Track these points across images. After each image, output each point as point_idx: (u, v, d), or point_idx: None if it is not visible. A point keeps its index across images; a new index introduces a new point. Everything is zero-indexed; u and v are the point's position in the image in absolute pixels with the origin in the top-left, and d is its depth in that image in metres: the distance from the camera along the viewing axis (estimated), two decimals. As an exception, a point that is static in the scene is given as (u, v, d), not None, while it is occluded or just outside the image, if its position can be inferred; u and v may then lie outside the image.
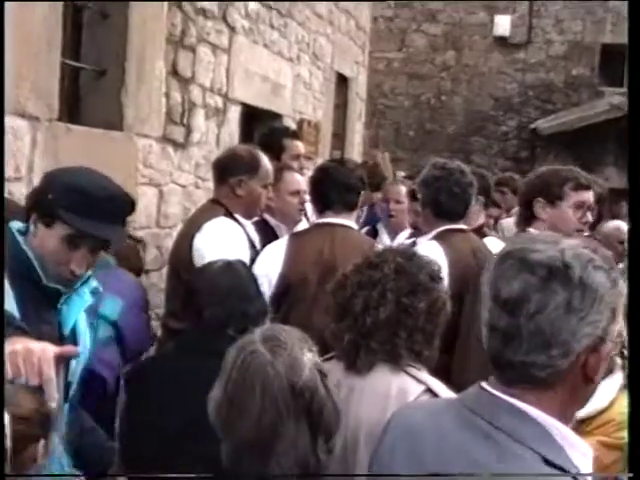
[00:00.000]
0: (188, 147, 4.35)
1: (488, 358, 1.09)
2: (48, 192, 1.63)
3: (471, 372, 2.19)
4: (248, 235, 2.89)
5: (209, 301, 1.89)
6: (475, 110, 11.68)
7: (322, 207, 2.84)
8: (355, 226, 2.94)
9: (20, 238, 1.67)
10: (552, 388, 1.04)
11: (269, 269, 2.68)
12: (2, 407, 1.13)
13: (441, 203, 2.78)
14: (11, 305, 1.51)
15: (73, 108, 3.56)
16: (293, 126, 5.76)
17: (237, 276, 1.98)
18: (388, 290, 1.71)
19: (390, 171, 7.94)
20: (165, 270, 4.20)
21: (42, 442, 1.32)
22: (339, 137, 7.60)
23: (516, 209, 3.57)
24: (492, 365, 1.10)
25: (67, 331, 1.75)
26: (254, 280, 2.07)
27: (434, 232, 2.81)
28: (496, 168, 10.81)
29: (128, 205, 1.69)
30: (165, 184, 4.08)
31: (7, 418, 1.14)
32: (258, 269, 2.58)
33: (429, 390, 1.61)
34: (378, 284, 1.72)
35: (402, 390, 1.64)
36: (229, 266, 2.01)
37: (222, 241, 2.66)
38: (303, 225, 3.31)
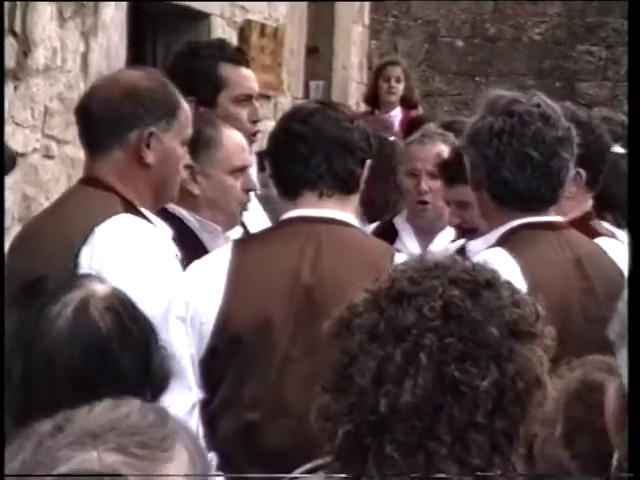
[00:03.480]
0: (26, 78, 4.56)
1: None
2: None
3: None
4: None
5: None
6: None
7: (295, 188, 2.99)
8: (356, 222, 3.13)
9: None
10: None
11: (198, 307, 2.86)
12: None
13: (505, 180, 2.91)
14: None
15: None
16: (233, 39, 5.94)
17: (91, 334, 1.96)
18: (424, 349, 1.72)
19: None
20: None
21: None
22: (320, 55, 7.75)
23: None
24: None
25: None
26: (145, 340, 2.06)
27: (501, 230, 2.98)
28: (626, 104, 11.14)
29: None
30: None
31: None
32: (175, 307, 2.77)
33: None
34: (407, 336, 1.74)
35: None
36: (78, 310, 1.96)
37: (141, 261, 2.81)
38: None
